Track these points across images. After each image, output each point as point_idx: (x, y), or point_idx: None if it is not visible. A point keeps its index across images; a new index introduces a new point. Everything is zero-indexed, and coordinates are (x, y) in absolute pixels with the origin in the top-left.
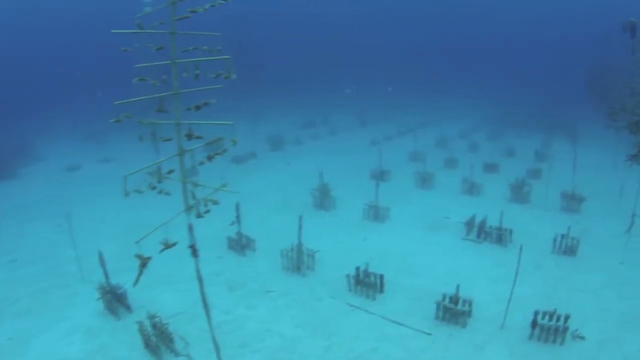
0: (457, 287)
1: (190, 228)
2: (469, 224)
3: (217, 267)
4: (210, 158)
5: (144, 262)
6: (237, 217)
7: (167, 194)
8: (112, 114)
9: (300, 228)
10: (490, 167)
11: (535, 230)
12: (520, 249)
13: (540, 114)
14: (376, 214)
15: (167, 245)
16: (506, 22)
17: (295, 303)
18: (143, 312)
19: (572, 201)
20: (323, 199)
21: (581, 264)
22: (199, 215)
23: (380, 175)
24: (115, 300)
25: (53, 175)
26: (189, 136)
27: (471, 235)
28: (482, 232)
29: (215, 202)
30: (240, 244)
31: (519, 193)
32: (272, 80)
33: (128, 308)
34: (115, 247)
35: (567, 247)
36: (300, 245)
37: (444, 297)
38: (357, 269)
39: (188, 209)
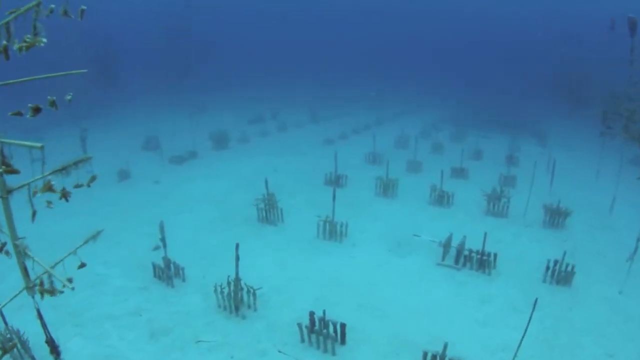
0: (445, 347)
1: (39, 315)
2: (446, 246)
3: (140, 302)
4: (65, 195)
5: None
6: (163, 239)
7: (7, 253)
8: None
9: (237, 259)
10: (459, 172)
11: (519, 252)
12: (534, 306)
13: (503, 114)
14: (332, 231)
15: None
16: (467, 20)
17: None
18: None
19: (556, 216)
20: (269, 211)
21: (579, 297)
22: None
23: (335, 181)
24: (20, 348)
25: None
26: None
27: (447, 260)
28: (460, 255)
29: (68, 284)
30: (168, 274)
31: (495, 205)
32: (217, 72)
33: (33, 359)
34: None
35: (560, 276)
36: (238, 280)
37: (426, 355)
38: (312, 314)
39: (29, 288)
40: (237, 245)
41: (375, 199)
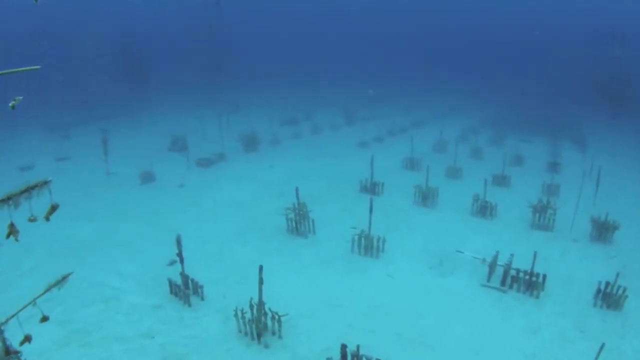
0: None
1: None
2: (492, 266)
3: (153, 323)
4: (13, 233)
5: None
6: (180, 254)
7: None
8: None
9: (261, 282)
10: (501, 180)
11: (568, 271)
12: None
13: (541, 117)
14: (368, 246)
15: None
16: (498, 19)
17: None
18: None
19: (603, 229)
20: (299, 222)
21: (630, 323)
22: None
23: (371, 189)
24: None
25: (1, 177)
26: None
27: (493, 281)
28: (507, 276)
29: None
30: (185, 292)
31: (541, 217)
32: (250, 71)
33: None
34: (38, 278)
35: (611, 300)
36: (261, 304)
37: None
38: (344, 348)
39: None
40: (261, 268)
41: (413, 208)
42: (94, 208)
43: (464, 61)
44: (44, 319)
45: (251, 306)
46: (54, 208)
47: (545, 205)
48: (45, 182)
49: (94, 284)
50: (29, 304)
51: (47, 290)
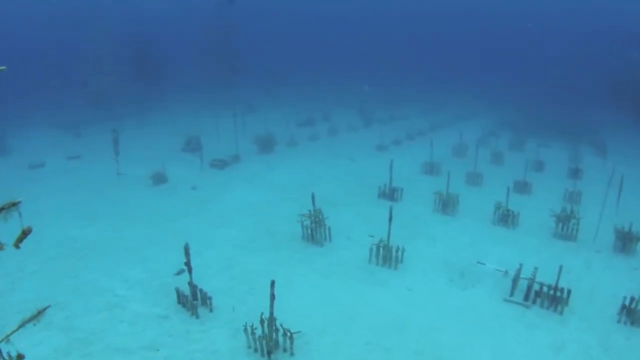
0: None
1: None
2: (515, 280)
3: (158, 335)
4: None
5: None
6: (188, 263)
7: None
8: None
9: (272, 298)
10: (522, 187)
11: (592, 284)
12: None
13: (558, 119)
14: (387, 256)
15: None
16: (515, 20)
17: None
18: None
19: (627, 240)
20: (315, 229)
21: None
22: None
23: (390, 195)
24: None
25: (10, 174)
26: None
27: (516, 295)
28: (531, 290)
29: None
30: (193, 303)
31: (565, 226)
32: (263, 71)
33: None
34: (42, 281)
35: (635, 316)
36: (272, 320)
37: None
38: None
39: None
40: (273, 283)
41: (432, 215)
42: (102, 209)
43: (482, 63)
44: (19, 357)
45: (262, 321)
46: (25, 233)
47: (569, 214)
48: (14, 204)
49: (98, 289)
50: (3, 339)
51: (22, 325)
